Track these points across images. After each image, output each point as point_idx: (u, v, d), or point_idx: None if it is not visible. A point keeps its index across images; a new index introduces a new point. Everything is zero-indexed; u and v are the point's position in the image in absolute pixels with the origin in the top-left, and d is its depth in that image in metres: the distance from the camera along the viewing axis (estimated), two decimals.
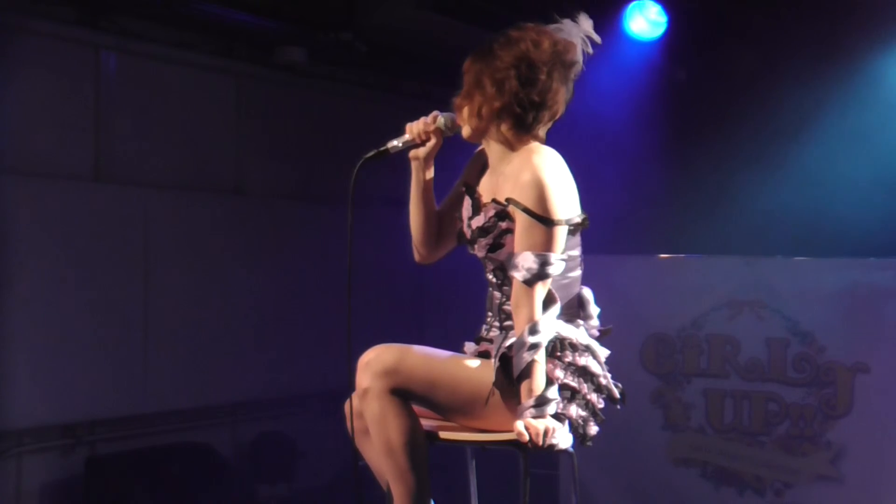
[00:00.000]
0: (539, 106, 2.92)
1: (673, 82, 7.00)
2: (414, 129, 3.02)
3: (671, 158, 7.05)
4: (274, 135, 6.96)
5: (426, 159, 3.06)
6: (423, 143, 3.03)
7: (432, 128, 3.02)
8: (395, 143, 3.02)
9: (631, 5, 6.63)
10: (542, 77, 2.91)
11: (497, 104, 2.91)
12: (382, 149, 3.00)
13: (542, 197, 2.81)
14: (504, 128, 2.94)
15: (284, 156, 7.05)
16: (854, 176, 6.39)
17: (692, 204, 6.93)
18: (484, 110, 2.94)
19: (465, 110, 2.97)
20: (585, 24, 3.01)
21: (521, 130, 2.95)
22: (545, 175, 2.84)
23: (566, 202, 2.86)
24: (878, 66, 6.42)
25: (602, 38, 3.02)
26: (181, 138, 6.37)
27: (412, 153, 3.06)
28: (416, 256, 3.18)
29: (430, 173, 3.08)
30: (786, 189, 6.68)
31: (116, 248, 5.97)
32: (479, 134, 2.99)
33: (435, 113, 3.04)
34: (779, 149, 6.73)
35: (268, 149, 6.92)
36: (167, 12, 5.99)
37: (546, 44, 2.92)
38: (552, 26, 2.99)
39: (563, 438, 2.77)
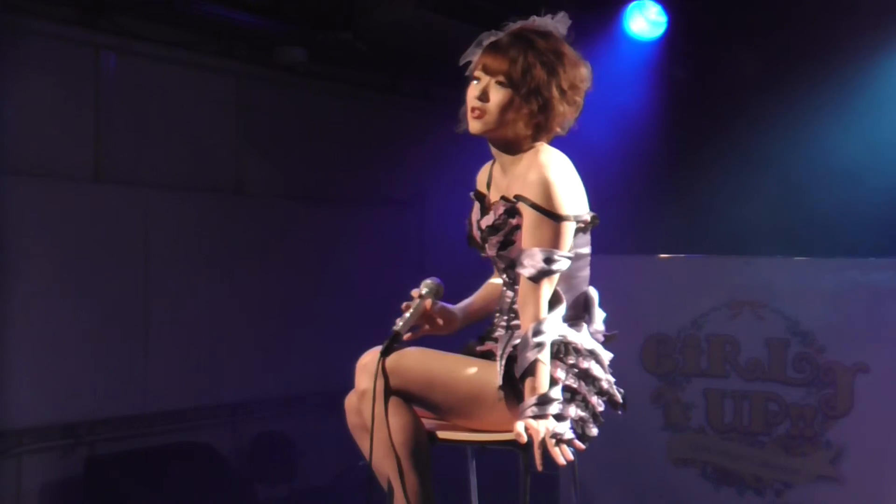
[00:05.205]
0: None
1: (673, 82, 6.99)
2: (410, 317, 2.98)
3: (671, 158, 7.05)
4: (274, 135, 6.96)
5: (440, 319, 3.05)
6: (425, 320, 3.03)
7: (422, 303, 2.98)
8: (401, 322, 2.95)
9: (631, 5, 6.62)
10: None
11: (555, 111, 2.87)
12: (394, 334, 2.91)
13: (548, 194, 2.78)
14: (527, 129, 2.88)
15: (284, 156, 7.05)
16: (854, 175, 6.38)
17: (692, 204, 6.92)
18: (525, 114, 2.85)
19: (509, 107, 2.85)
20: (562, 24, 2.94)
21: (542, 134, 2.91)
22: (552, 173, 2.81)
23: (573, 199, 2.84)
24: (879, 66, 6.41)
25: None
26: (181, 138, 6.37)
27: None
28: None
29: (461, 314, 3.09)
30: (787, 188, 6.68)
31: (116, 248, 5.97)
32: (495, 130, 2.89)
33: (414, 292, 3.01)
34: (779, 148, 6.72)
35: (268, 149, 6.92)
36: (167, 12, 5.99)
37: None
38: (537, 20, 2.93)
39: (567, 447, 2.69)
